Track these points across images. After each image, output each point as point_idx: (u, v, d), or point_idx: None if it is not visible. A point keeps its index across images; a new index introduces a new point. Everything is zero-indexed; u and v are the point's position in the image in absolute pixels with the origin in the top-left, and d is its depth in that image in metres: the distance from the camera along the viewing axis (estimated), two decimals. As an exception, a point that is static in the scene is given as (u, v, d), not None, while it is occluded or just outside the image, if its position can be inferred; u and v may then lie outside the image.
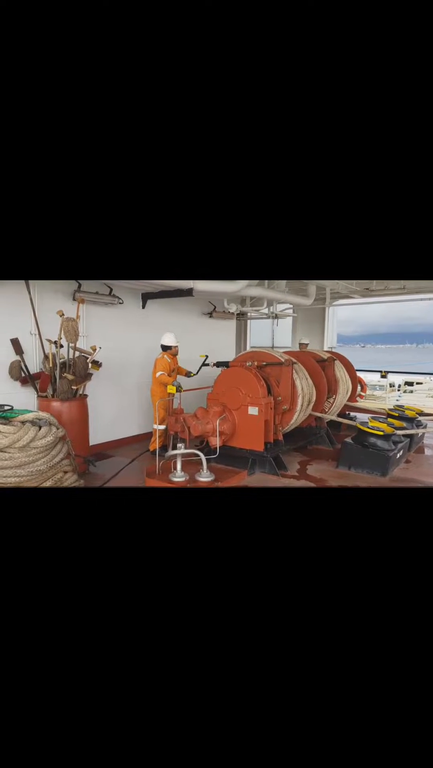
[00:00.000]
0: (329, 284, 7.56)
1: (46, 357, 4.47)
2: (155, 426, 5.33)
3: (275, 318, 7.97)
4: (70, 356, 4.53)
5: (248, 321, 9.65)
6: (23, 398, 4.60)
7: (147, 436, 6.33)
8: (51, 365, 4.39)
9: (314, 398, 5.34)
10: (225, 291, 5.70)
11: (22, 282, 4.47)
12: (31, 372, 4.60)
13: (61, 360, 4.45)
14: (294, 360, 5.04)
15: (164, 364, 5.16)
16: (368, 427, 4.79)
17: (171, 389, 4.79)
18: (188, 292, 5.47)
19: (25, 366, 4.52)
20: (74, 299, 5.03)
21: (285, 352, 5.62)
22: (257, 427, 4.67)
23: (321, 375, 5.61)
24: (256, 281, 5.87)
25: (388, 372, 8.45)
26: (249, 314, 8.31)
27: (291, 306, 8.64)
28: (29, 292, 4.48)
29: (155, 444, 5.35)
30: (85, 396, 4.69)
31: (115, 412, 5.83)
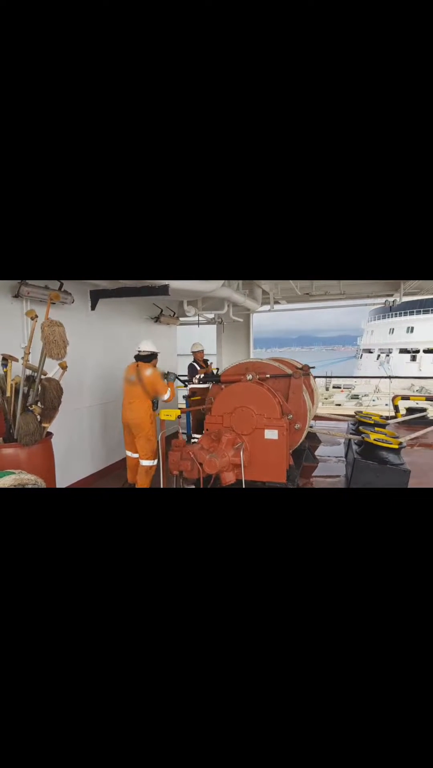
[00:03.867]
0: (273, 288, 7.21)
1: (-3, 381, 2.93)
2: (145, 462, 4.11)
3: (220, 323, 7.25)
4: (30, 376, 3.07)
5: (173, 327, 8.71)
6: None
7: (104, 473, 4.97)
8: (9, 393, 2.89)
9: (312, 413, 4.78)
10: (202, 290, 4.76)
11: None
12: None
13: (24, 386, 2.98)
14: (303, 372, 4.38)
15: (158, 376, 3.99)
16: (379, 441, 4.43)
17: (173, 414, 3.67)
18: (163, 290, 4.37)
19: (-43, 396, 2.90)
20: (18, 295, 3.50)
21: (273, 359, 4.94)
22: (278, 454, 3.87)
23: (308, 386, 5.09)
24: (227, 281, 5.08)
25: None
26: (187, 318, 7.41)
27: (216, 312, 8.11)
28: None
29: (144, 480, 4.14)
30: (50, 435, 3.27)
31: (67, 447, 4.34)
